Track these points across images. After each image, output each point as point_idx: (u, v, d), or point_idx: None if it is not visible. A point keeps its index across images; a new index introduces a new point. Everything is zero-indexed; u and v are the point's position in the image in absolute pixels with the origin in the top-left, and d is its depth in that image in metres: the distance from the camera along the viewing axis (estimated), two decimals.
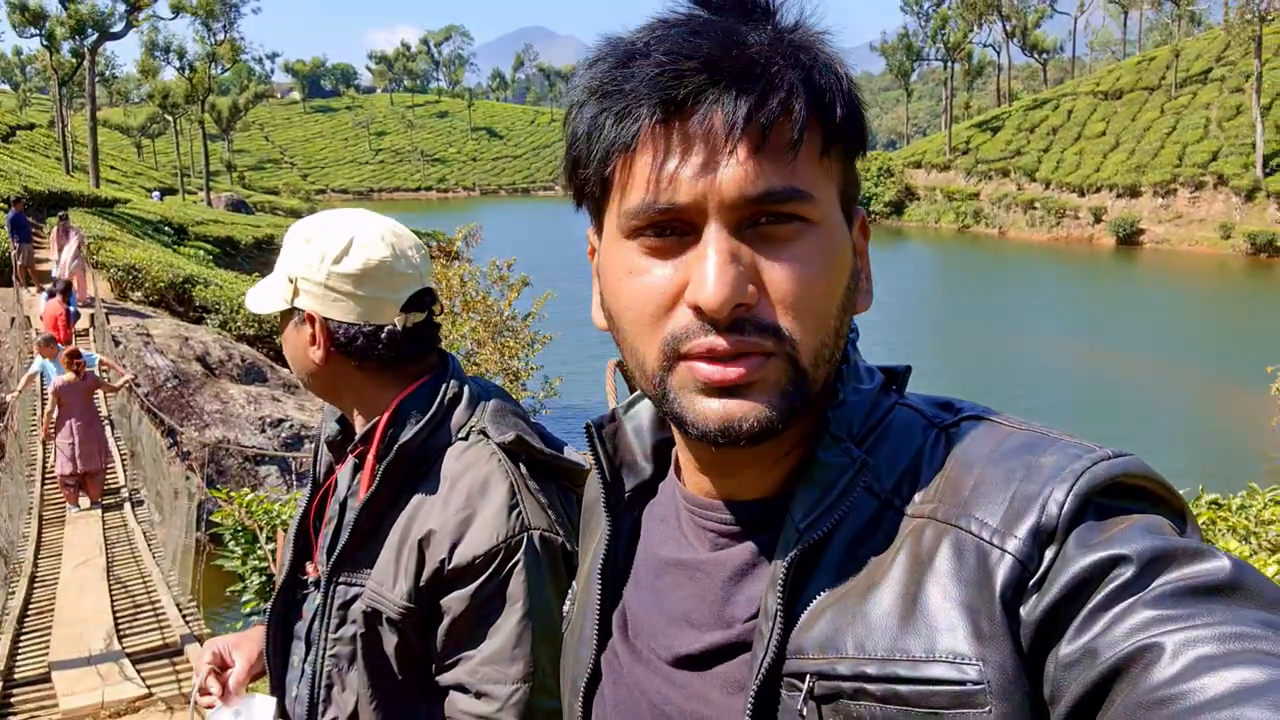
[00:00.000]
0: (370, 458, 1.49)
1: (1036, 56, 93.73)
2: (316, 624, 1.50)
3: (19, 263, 17.67)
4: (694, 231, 0.69)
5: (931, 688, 0.64)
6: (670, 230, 0.70)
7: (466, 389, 1.53)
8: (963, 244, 57.50)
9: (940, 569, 0.67)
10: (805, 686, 0.69)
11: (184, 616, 7.02)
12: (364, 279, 1.48)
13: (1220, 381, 19.84)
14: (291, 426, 13.99)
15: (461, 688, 1.38)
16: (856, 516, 0.72)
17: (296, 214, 60.95)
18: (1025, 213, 58.62)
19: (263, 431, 13.76)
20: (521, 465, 1.47)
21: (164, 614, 7.11)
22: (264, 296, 1.53)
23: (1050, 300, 35.22)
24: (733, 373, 0.68)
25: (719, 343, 0.68)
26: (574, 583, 1.02)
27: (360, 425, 1.54)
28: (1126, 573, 0.60)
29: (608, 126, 0.71)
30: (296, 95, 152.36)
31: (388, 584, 1.41)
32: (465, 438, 1.48)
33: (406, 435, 1.45)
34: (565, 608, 1.02)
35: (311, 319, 1.49)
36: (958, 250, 54.95)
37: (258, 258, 35.02)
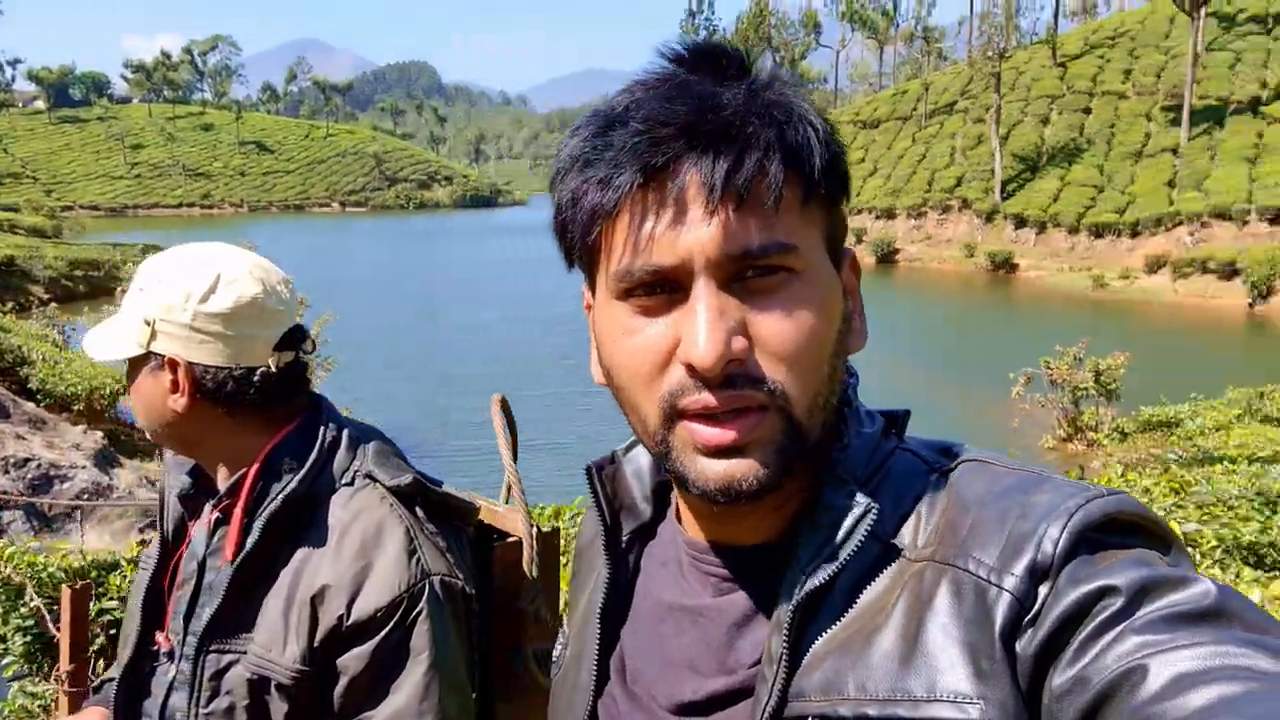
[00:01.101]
0: (238, 512, 1.37)
1: (802, 86, 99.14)
2: (178, 697, 1.38)
3: None
4: (682, 290, 0.71)
5: None
6: (659, 289, 0.71)
7: (346, 432, 1.45)
8: None
9: (940, 609, 0.67)
10: None
11: None
12: (234, 318, 1.37)
13: (968, 386, 21.54)
14: (39, 466, 12.78)
15: None
16: (860, 560, 0.73)
17: (40, 232, 55.93)
18: None
19: (5, 473, 12.50)
20: (417, 509, 1.40)
21: None
22: (110, 342, 1.40)
23: None
24: (729, 435, 0.69)
25: (710, 400, 0.69)
26: (564, 627, 0.99)
27: (224, 477, 1.43)
28: (1116, 603, 0.62)
29: (591, 193, 0.73)
30: (41, 104, 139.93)
31: (276, 647, 1.32)
32: (350, 483, 1.40)
33: (290, 485, 1.35)
34: (556, 651, 0.99)
35: (174, 364, 1.37)
36: None
37: None
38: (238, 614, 1.35)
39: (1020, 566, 0.66)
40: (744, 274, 0.70)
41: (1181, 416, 13.11)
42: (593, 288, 0.80)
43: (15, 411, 14.16)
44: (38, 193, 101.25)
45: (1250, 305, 34.79)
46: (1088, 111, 56.04)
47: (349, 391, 18.40)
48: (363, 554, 1.32)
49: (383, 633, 1.30)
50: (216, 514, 1.42)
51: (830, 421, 0.76)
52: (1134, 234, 43.09)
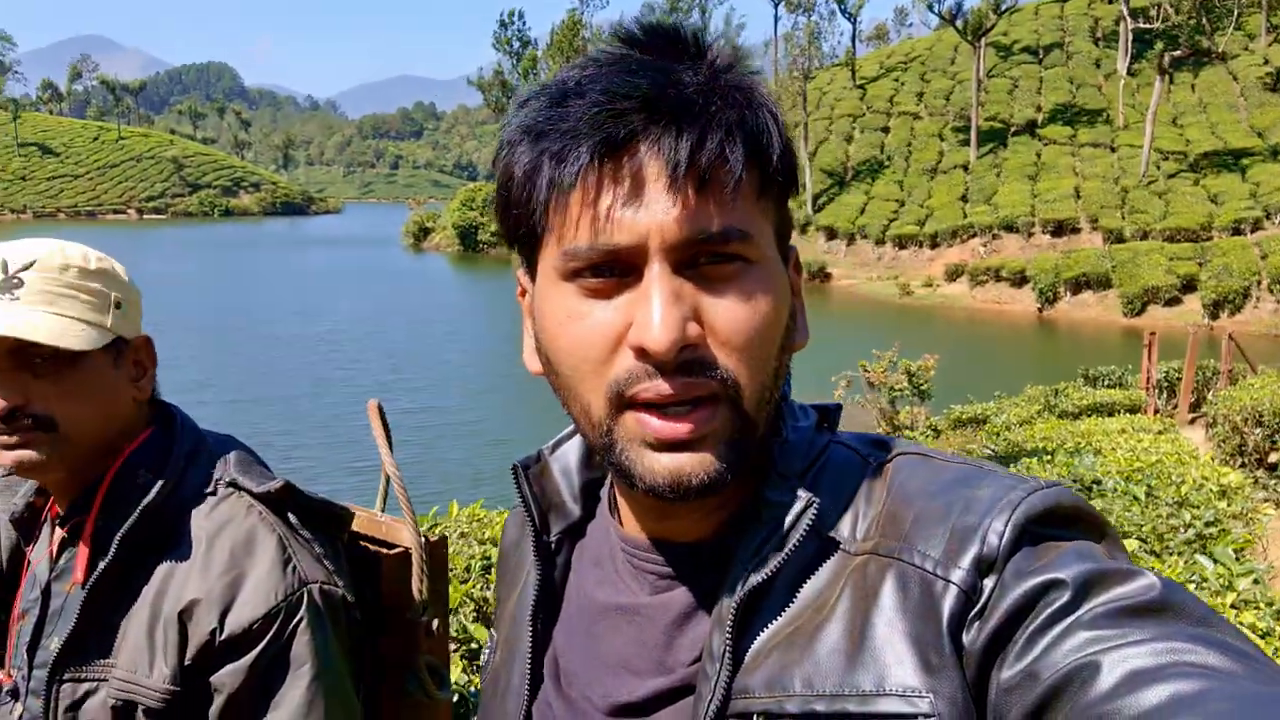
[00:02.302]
0: (89, 529, 1.27)
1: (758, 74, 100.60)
2: None
3: None
4: (634, 272, 0.68)
5: None
6: (610, 271, 0.68)
7: (204, 440, 1.37)
8: None
9: (885, 603, 0.67)
10: None
11: None
12: (140, 294, 1.34)
13: (794, 390, 22.42)
14: None
15: None
16: (801, 555, 0.72)
17: None
18: None
19: None
20: (290, 516, 1.32)
21: None
22: (78, 330, 1.24)
23: None
24: (683, 428, 0.67)
25: (664, 387, 0.66)
26: (492, 630, 0.96)
27: (71, 492, 1.30)
28: (1062, 597, 0.62)
29: (545, 167, 0.69)
30: None
31: (142, 669, 1.22)
32: (214, 492, 1.31)
33: (150, 497, 1.25)
34: (484, 656, 0.95)
35: (139, 344, 1.32)
36: None
37: None
38: (92, 639, 1.26)
39: (966, 560, 0.65)
40: (698, 259, 0.68)
41: (989, 413, 14.05)
42: (532, 270, 0.76)
43: None
44: None
45: (1039, 310, 37.82)
46: (886, 130, 59.56)
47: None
48: (233, 565, 1.25)
49: (260, 646, 1.23)
50: (63, 534, 1.32)
51: (771, 416, 0.74)
52: (934, 245, 46.00)
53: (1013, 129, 53.82)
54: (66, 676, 1.25)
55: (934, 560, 0.66)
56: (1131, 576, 0.63)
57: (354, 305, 37.19)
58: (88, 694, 1.24)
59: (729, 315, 0.68)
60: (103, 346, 1.26)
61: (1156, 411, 13.63)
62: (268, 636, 1.22)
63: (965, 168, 52.11)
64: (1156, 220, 39.81)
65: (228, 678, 1.22)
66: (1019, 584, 0.63)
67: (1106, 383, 15.89)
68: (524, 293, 0.80)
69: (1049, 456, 8.00)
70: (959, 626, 0.64)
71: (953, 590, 0.65)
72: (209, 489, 1.32)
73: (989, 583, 0.65)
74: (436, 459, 15.42)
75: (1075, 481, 5.98)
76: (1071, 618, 0.61)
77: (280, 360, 25.40)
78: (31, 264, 1.25)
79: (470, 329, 32.83)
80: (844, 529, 0.73)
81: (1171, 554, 4.15)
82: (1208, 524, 4.56)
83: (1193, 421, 13.42)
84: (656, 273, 0.67)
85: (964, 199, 48.99)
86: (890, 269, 46.55)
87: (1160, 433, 9.55)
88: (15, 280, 1.23)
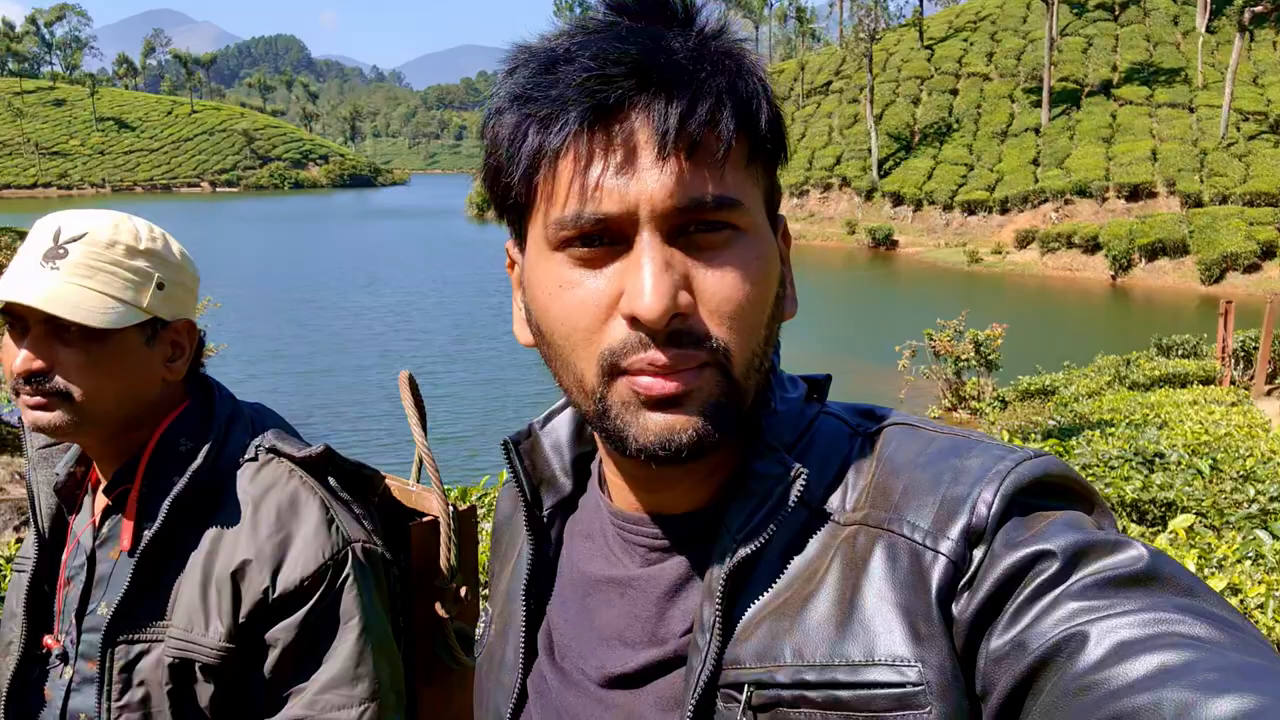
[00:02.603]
0: (134, 497, 1.32)
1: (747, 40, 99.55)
2: (81, 698, 1.32)
3: None
4: (625, 241, 0.68)
5: (872, 691, 0.64)
6: (600, 240, 0.68)
7: (241, 409, 1.43)
8: None
9: (874, 573, 0.67)
10: (743, 697, 0.69)
11: None
12: (196, 277, 1.39)
13: (855, 360, 22.23)
14: None
15: None
16: (789, 526, 0.72)
17: None
18: None
19: None
20: (329, 479, 1.39)
21: None
22: (109, 308, 1.27)
23: None
24: (671, 385, 0.67)
25: (658, 356, 0.67)
26: (487, 605, 1.00)
27: (113, 461, 1.36)
28: (1051, 567, 0.62)
29: (532, 134, 0.68)
30: None
31: (198, 628, 1.28)
32: (254, 458, 1.37)
33: (196, 463, 1.31)
34: (479, 630, 1.00)
35: (182, 327, 1.37)
36: None
37: None
38: (143, 602, 1.30)
39: (955, 530, 0.66)
40: (689, 228, 0.68)
41: (1057, 384, 13.84)
42: (521, 241, 0.76)
43: None
44: None
45: (1112, 277, 36.83)
46: (955, 93, 58.13)
47: (230, 381, 17.82)
48: (280, 526, 1.30)
49: (310, 602, 1.28)
50: (107, 502, 1.36)
51: (759, 387, 0.74)
52: (1003, 210, 45.02)
53: (1087, 89, 52.17)
54: (120, 639, 1.29)
55: (923, 531, 0.67)
56: (1120, 547, 0.63)
57: (420, 276, 37.62)
58: (141, 654, 1.29)
59: (719, 284, 0.68)
60: (136, 325, 1.30)
61: (1232, 383, 13.29)
62: (317, 593, 1.28)
63: (1037, 130, 50.73)
64: (1236, 184, 38.47)
65: (281, 633, 1.28)
66: (1008, 554, 0.63)
67: (1180, 353, 15.50)
68: (513, 265, 0.80)
69: (1110, 429, 7.90)
70: (948, 597, 0.65)
71: (941, 560, 0.65)
72: (249, 455, 1.37)
73: (978, 553, 0.65)
74: (498, 429, 15.66)
75: (1136, 454, 5.91)
76: (1060, 588, 0.61)
77: (349, 331, 25.87)
78: (82, 236, 1.28)
79: None
80: (833, 500, 0.73)
81: (1231, 528, 4.11)
82: (1272, 499, 4.50)
83: (1270, 393, 13.07)
84: (647, 241, 0.66)
85: (1035, 163, 47.77)
86: (958, 236, 45.72)
87: (1233, 405, 9.36)
88: (61, 250, 1.27)
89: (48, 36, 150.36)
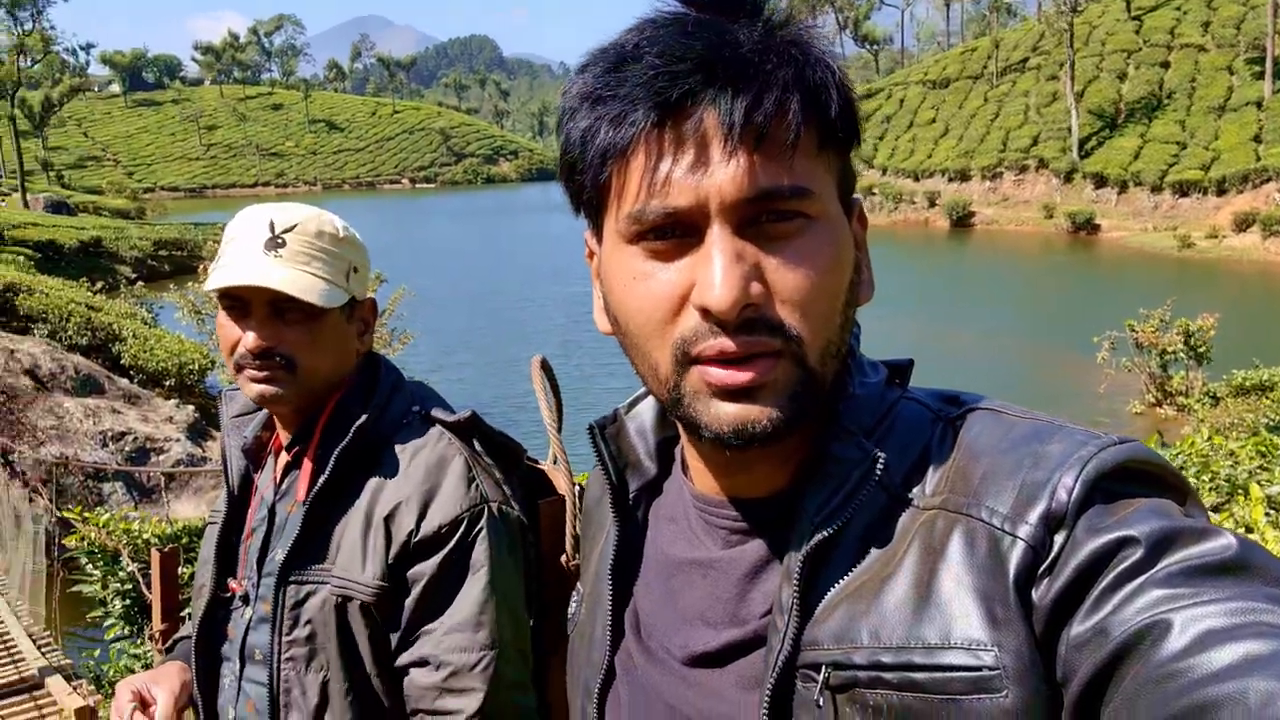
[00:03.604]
0: (310, 454, 1.47)
1: (868, 48, 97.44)
2: (257, 636, 1.46)
3: None
4: (696, 233, 0.69)
5: (948, 674, 0.64)
6: (672, 233, 0.70)
7: (402, 380, 1.56)
8: None
9: (952, 558, 0.67)
10: (821, 677, 0.69)
11: (39, 648, 6.56)
12: (369, 267, 1.54)
13: (1051, 352, 21.11)
14: (135, 439, 13.26)
15: (424, 662, 1.37)
16: (868, 510, 0.73)
17: (124, 214, 57.59)
18: (865, 199, 60.21)
19: (104, 446, 12.97)
20: (474, 443, 1.49)
21: (15, 647, 6.62)
22: (325, 290, 1.42)
23: (890, 282, 36.73)
24: (744, 376, 0.68)
25: (728, 344, 0.68)
26: (579, 585, 1.02)
27: (296, 424, 1.51)
28: (1135, 554, 0.61)
29: (603, 132, 0.70)
30: (116, 88, 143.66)
31: (355, 569, 1.40)
32: (410, 422, 1.49)
33: (361, 420, 1.44)
34: (571, 609, 1.02)
35: (369, 305, 1.52)
36: None
37: (84, 262, 32.96)
38: (311, 548, 1.43)
39: (1034, 515, 0.65)
40: (760, 218, 0.68)
41: (1276, 380, 12.69)
42: (599, 233, 0.78)
43: (110, 387, 14.67)
44: (119, 175, 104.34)
45: None
46: (1166, 65, 54.19)
47: (421, 369, 18.65)
48: (428, 479, 1.41)
49: (446, 548, 1.38)
50: (287, 459, 1.52)
51: (837, 372, 0.75)
52: (1220, 191, 41.72)
53: None
54: (291, 580, 1.43)
55: (1002, 516, 0.67)
56: (1208, 535, 0.62)
57: None
58: (309, 594, 1.42)
59: (791, 273, 0.68)
60: (340, 305, 1.45)
61: None
62: (453, 540, 1.38)
63: (1259, 104, 46.60)
64: None
65: (419, 574, 1.38)
66: (1091, 540, 0.63)
67: None
68: (592, 255, 0.82)
69: None
70: (1027, 582, 0.65)
71: (1020, 546, 0.65)
72: (407, 419, 1.49)
73: (1059, 538, 0.64)
74: None
75: None
76: (1144, 575, 0.60)
77: (533, 321, 26.71)
78: (294, 227, 1.42)
79: None
80: (913, 484, 0.73)
81: None
82: None
83: None
84: (717, 233, 0.68)
85: (1257, 139, 43.94)
86: (1168, 219, 42.65)
87: None
88: (279, 240, 1.41)
89: (267, 46, 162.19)
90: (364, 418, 1.44)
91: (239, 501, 1.58)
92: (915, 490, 0.73)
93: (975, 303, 30.27)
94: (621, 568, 0.88)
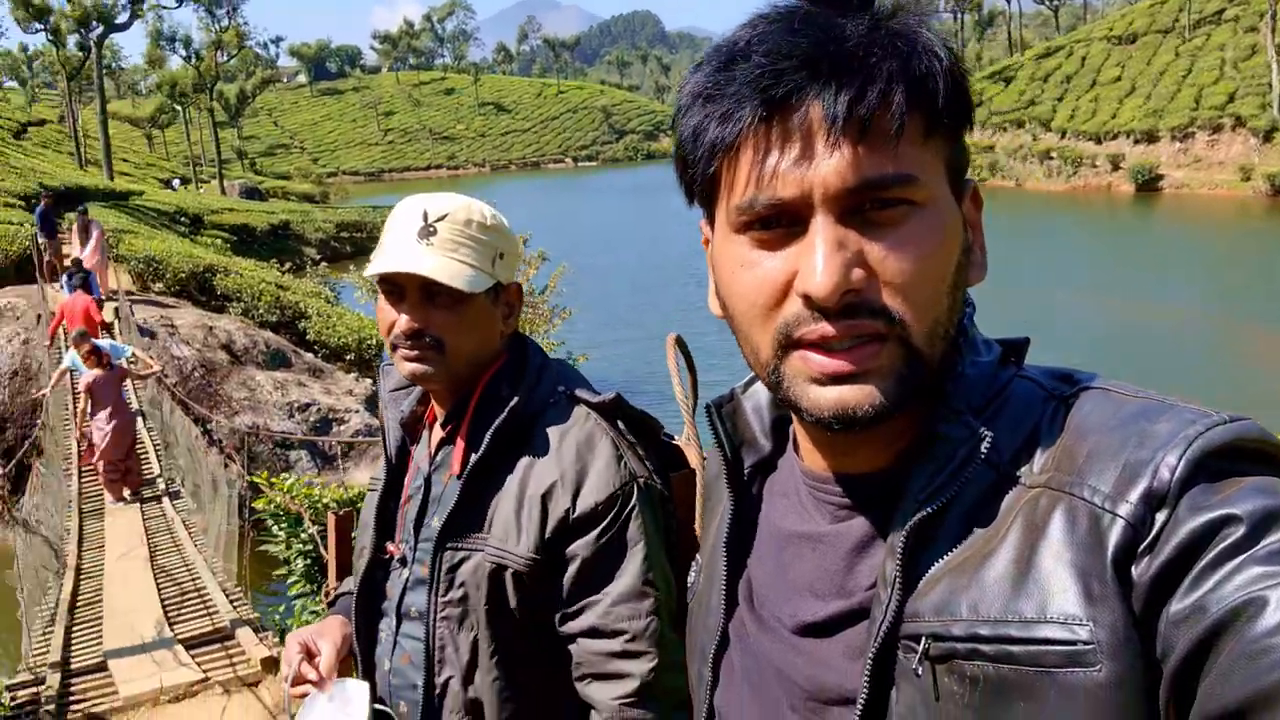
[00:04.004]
0: (464, 430, 1.55)
1: (1048, 3, 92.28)
2: (414, 595, 1.57)
3: (46, 257, 17.61)
4: (801, 223, 0.72)
5: (1043, 648, 0.65)
6: (778, 223, 0.72)
7: (549, 361, 1.63)
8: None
9: (1053, 535, 0.68)
10: (921, 648, 0.71)
11: (231, 602, 7.12)
12: (519, 247, 1.61)
13: (1250, 325, 19.63)
14: (319, 410, 14.11)
15: (594, 630, 1.46)
16: (974, 487, 0.74)
17: (310, 198, 60.97)
18: (1042, 163, 57.95)
19: (291, 416, 13.87)
20: (619, 423, 1.56)
21: (211, 601, 7.21)
22: (471, 275, 1.50)
23: (1071, 251, 34.87)
24: (843, 364, 0.71)
25: (828, 329, 0.70)
26: (698, 556, 1.06)
27: (449, 401, 1.60)
28: (1237, 532, 0.61)
29: (712, 129, 0.74)
30: (303, 79, 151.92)
31: (511, 540, 1.48)
32: (557, 402, 1.56)
33: (514, 400, 1.52)
34: (690, 578, 1.06)
35: (514, 290, 1.60)
36: None
37: (274, 244, 35.15)
38: (467, 517, 1.51)
39: (1135, 493, 0.66)
40: (864, 206, 0.71)
41: None
42: (711, 223, 0.82)
43: (297, 361, 15.66)
44: (305, 161, 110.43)
45: None
46: None
47: (588, 338, 18.98)
48: (579, 458, 1.48)
49: (603, 524, 1.45)
50: (442, 434, 1.59)
51: (946, 352, 0.76)
52: None
53: None
54: (447, 546, 1.52)
55: (1103, 494, 0.67)
56: None
57: None
58: (463, 560, 1.51)
59: (895, 259, 0.70)
60: (486, 289, 1.52)
61: None
62: (609, 517, 1.46)
63: None
64: None
65: (579, 550, 1.46)
66: (1193, 518, 0.63)
67: None
68: (707, 241, 0.85)
69: None
70: (1126, 559, 0.65)
71: (1119, 523, 0.66)
72: (554, 399, 1.56)
73: (1160, 516, 0.65)
74: None
75: None
76: (1245, 553, 0.60)
77: (691, 297, 26.74)
78: (444, 216, 1.51)
79: None
80: (1021, 462, 0.74)
81: None
82: None
83: None
84: (820, 223, 0.70)
85: None
86: None
87: None
88: (431, 229, 1.50)
89: (440, 32, 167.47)
90: (516, 398, 1.52)
91: (397, 470, 1.68)
92: (1023, 468, 0.74)
93: (1163, 273, 28.43)
94: (737, 540, 0.92)
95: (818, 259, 0.70)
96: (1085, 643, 0.64)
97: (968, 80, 0.75)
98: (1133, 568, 0.65)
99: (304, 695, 1.57)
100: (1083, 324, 22.84)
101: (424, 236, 1.50)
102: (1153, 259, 31.81)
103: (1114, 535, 0.66)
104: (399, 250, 1.50)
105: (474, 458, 1.50)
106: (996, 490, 0.74)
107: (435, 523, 1.54)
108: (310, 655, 1.61)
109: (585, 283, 21.99)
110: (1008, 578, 0.69)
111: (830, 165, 0.70)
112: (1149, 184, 49.87)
